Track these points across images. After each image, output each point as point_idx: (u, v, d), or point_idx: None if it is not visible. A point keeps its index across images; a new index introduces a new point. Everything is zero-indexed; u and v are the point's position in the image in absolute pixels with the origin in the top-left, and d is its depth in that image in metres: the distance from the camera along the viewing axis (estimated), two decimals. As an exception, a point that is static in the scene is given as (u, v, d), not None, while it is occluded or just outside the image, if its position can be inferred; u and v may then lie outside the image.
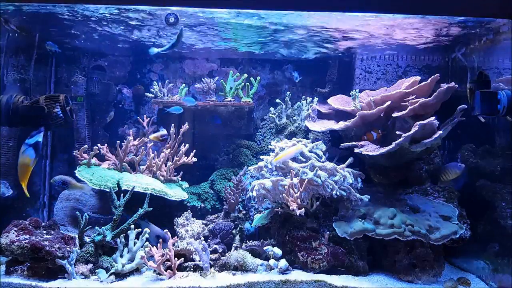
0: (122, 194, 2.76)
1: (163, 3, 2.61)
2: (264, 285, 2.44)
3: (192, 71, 4.04)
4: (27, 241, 2.38)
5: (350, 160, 2.91)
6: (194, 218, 3.24)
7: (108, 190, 2.78)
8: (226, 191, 3.27)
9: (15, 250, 2.37)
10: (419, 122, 2.72)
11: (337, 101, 3.55)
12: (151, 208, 2.75)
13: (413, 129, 2.72)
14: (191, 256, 2.69)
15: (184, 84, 3.84)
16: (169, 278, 2.48)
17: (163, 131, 3.30)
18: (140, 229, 2.66)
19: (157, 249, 2.54)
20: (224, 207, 3.30)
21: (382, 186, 3.17)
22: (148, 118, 3.65)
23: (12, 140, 3.39)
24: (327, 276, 2.57)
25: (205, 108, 3.66)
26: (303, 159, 3.09)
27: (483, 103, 2.54)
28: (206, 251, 2.61)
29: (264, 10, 2.67)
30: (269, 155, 3.07)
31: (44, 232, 2.58)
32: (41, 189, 3.72)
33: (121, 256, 2.60)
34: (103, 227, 2.67)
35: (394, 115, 2.96)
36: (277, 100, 3.79)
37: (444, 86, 2.84)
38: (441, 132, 2.75)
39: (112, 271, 2.49)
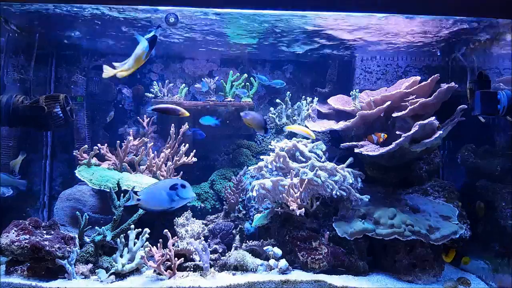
0: (122, 194, 2.76)
1: (164, 3, 2.60)
2: (264, 285, 2.44)
3: (192, 71, 4.04)
4: (27, 241, 2.38)
5: (350, 160, 2.91)
6: (194, 218, 3.23)
7: (108, 190, 2.78)
8: (226, 191, 3.27)
9: (15, 250, 2.37)
10: (419, 122, 2.72)
11: (337, 101, 3.54)
12: (151, 208, 2.75)
13: (413, 129, 2.72)
14: (191, 256, 2.69)
15: (184, 84, 3.84)
16: (169, 278, 2.48)
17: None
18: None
19: (157, 249, 2.54)
20: (224, 207, 3.30)
21: (382, 186, 3.17)
22: (148, 118, 3.65)
23: (12, 140, 3.38)
24: (327, 276, 2.57)
25: (205, 108, 3.65)
26: (303, 159, 3.09)
27: (483, 103, 2.54)
28: (206, 251, 2.61)
29: (263, 10, 2.67)
30: (269, 155, 3.07)
31: (44, 232, 2.57)
32: (41, 189, 3.72)
33: (121, 256, 2.59)
34: (103, 227, 2.66)
35: (394, 115, 2.96)
36: (277, 100, 3.79)
37: (444, 86, 2.84)
38: (441, 132, 2.75)
39: (112, 271, 2.49)
